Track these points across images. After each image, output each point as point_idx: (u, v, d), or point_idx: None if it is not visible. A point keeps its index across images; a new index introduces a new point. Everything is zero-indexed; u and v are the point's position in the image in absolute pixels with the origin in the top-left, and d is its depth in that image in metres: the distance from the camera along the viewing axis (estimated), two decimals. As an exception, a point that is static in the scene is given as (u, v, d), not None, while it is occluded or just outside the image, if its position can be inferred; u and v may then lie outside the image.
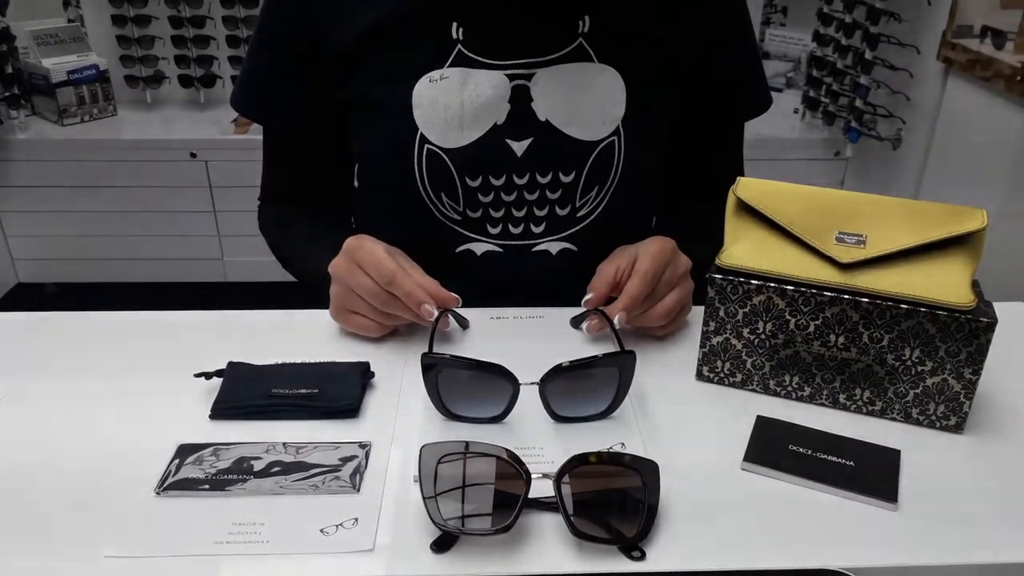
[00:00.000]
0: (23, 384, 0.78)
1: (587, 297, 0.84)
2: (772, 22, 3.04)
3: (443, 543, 0.59)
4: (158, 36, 2.79)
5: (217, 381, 0.76)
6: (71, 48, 2.71)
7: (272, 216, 1.07)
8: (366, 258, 0.80)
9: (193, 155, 2.63)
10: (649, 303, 0.82)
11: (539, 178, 0.93)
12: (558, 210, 0.95)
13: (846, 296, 0.71)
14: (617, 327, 0.79)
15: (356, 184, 1.08)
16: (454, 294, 0.81)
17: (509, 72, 0.89)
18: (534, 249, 0.96)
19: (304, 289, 1.00)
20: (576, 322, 0.89)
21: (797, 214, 0.75)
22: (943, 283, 0.69)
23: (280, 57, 0.95)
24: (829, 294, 0.71)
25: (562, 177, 0.93)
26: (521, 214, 0.94)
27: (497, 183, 0.93)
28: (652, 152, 0.99)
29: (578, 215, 0.95)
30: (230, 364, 0.78)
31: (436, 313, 0.78)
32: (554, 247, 0.97)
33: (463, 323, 0.89)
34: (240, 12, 2.75)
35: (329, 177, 1.05)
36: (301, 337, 0.86)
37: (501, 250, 0.96)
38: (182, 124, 2.77)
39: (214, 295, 2.79)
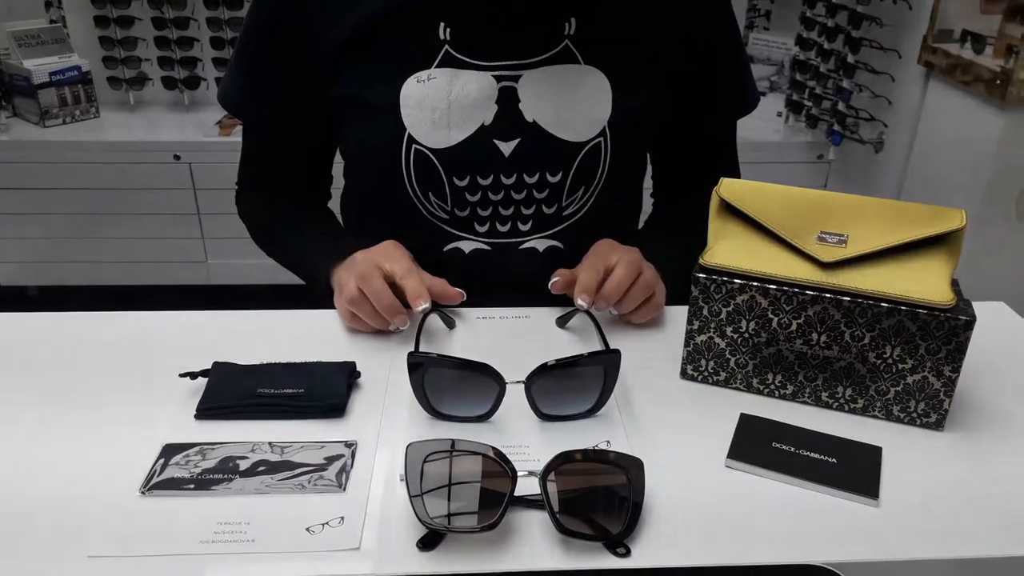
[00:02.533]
0: (7, 385, 0.77)
1: (554, 280, 0.87)
2: (755, 26, 3.06)
3: (429, 541, 0.59)
4: (141, 37, 2.77)
5: (202, 381, 0.76)
6: (53, 49, 2.69)
7: (255, 203, 1.07)
8: (388, 258, 0.85)
9: (177, 157, 2.61)
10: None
11: (526, 178, 0.93)
12: (545, 209, 0.95)
13: (828, 295, 0.72)
14: (584, 307, 0.83)
15: (345, 181, 1.08)
16: (458, 290, 0.86)
17: (496, 73, 0.90)
18: (521, 247, 0.97)
19: (290, 293, 1.00)
20: (562, 322, 0.90)
21: (779, 214, 0.75)
22: (923, 282, 0.70)
23: (268, 56, 0.95)
24: (811, 293, 0.72)
25: (549, 177, 0.94)
26: (508, 213, 0.95)
27: (484, 183, 0.93)
28: (638, 153, 1.00)
29: (564, 213, 0.96)
30: (215, 364, 0.78)
31: (427, 307, 0.82)
32: (541, 245, 0.97)
33: (449, 323, 0.89)
34: (224, 14, 2.74)
35: (310, 170, 1.06)
36: (286, 337, 0.86)
37: (489, 248, 0.96)
38: (166, 126, 2.75)
39: (198, 298, 2.77)
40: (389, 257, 0.86)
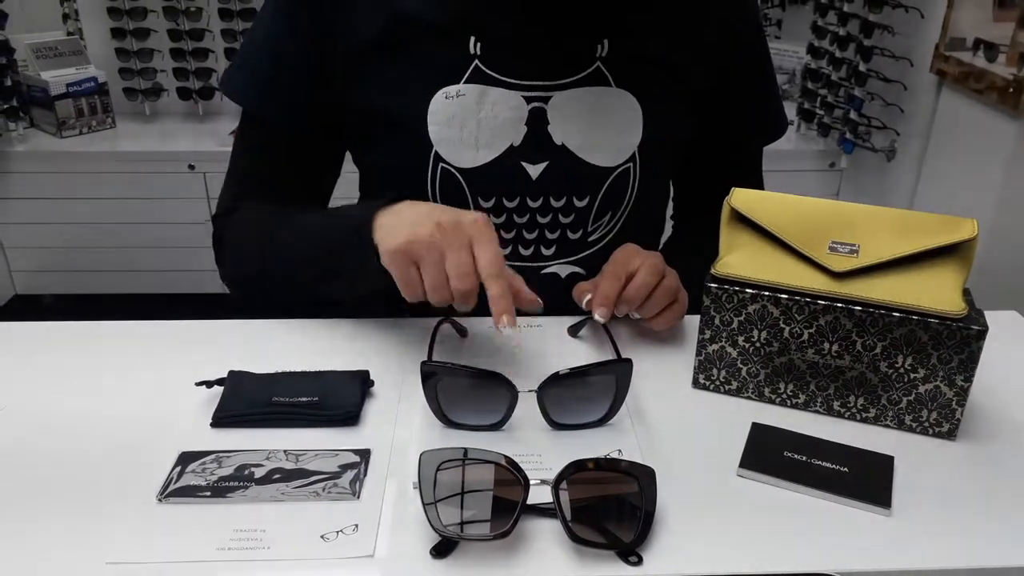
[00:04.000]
0: (25, 394, 0.79)
1: (587, 298, 0.85)
2: (767, 35, 3.06)
3: (442, 549, 0.59)
4: (157, 49, 2.80)
5: (218, 390, 0.77)
6: (70, 61, 2.72)
7: (249, 211, 0.95)
8: (483, 238, 0.72)
9: (191, 167, 2.64)
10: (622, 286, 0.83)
11: (553, 202, 0.93)
12: (570, 234, 0.95)
13: (839, 304, 0.72)
14: (601, 321, 0.81)
15: (360, 195, 1.07)
16: (537, 298, 0.76)
17: (526, 93, 0.89)
18: (543, 272, 0.96)
19: (302, 301, 0.96)
20: (574, 331, 0.90)
21: (791, 224, 0.76)
22: (935, 291, 0.70)
23: (284, 46, 0.90)
24: (823, 302, 0.72)
25: (576, 202, 0.93)
26: (532, 236, 0.94)
27: (510, 205, 0.93)
28: (664, 179, 0.99)
29: (589, 240, 0.96)
30: (231, 373, 0.79)
31: (510, 330, 0.72)
32: (563, 270, 0.97)
33: (462, 331, 0.89)
34: (239, 25, 2.77)
35: (313, 181, 1.00)
36: (301, 346, 0.87)
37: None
38: (180, 136, 2.78)
39: (211, 307, 2.79)
40: (480, 241, 0.72)
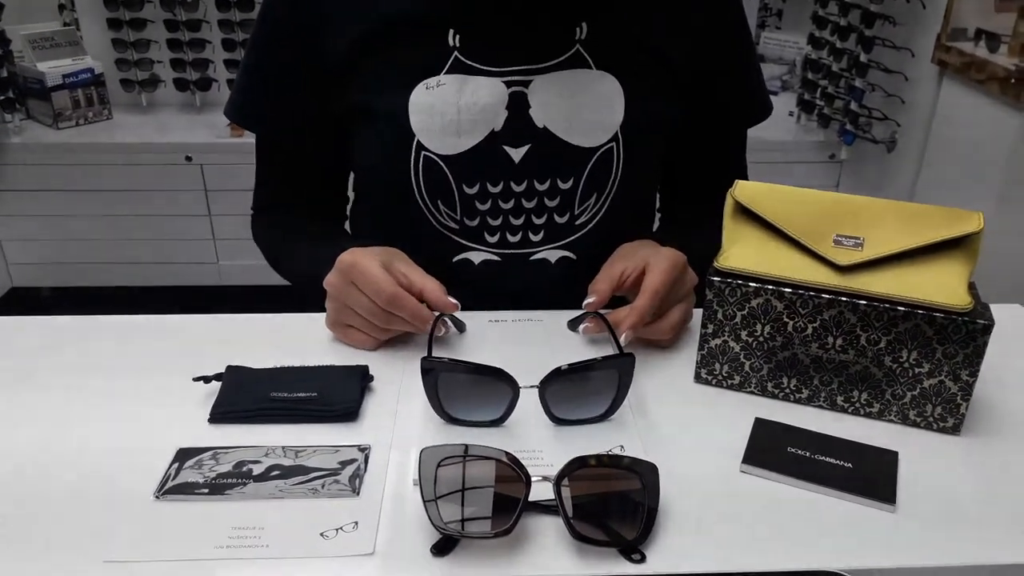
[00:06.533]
0: (20, 388, 0.78)
1: (589, 300, 0.83)
2: (767, 25, 3.05)
3: (443, 546, 0.59)
4: (153, 40, 2.79)
5: (216, 385, 0.76)
6: (66, 52, 2.71)
7: (266, 225, 1.06)
8: (361, 278, 0.79)
9: (188, 158, 2.63)
10: (654, 317, 0.81)
11: (537, 185, 0.93)
12: (556, 218, 0.94)
13: (844, 298, 0.71)
14: (623, 343, 0.78)
15: (353, 193, 1.07)
16: (454, 300, 0.81)
17: (506, 79, 0.89)
18: (532, 258, 0.96)
19: (301, 294, 0.99)
20: (574, 325, 0.89)
21: (795, 217, 0.75)
22: (940, 285, 0.69)
23: (274, 66, 0.95)
24: (827, 296, 0.71)
25: (560, 184, 0.93)
26: (519, 222, 0.94)
27: (494, 190, 0.92)
28: (650, 159, 0.99)
29: (577, 223, 0.95)
30: (229, 368, 0.78)
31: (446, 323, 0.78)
32: (553, 255, 0.96)
33: (460, 327, 0.89)
34: (236, 16, 2.75)
35: (323, 185, 1.05)
36: (299, 341, 0.86)
37: (499, 259, 0.96)
38: (177, 127, 2.77)
39: (209, 299, 2.79)
40: (362, 284, 0.80)
